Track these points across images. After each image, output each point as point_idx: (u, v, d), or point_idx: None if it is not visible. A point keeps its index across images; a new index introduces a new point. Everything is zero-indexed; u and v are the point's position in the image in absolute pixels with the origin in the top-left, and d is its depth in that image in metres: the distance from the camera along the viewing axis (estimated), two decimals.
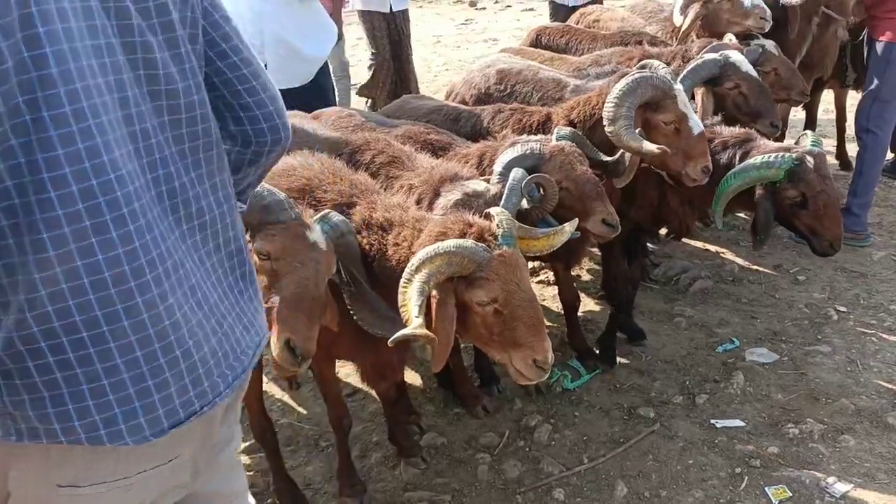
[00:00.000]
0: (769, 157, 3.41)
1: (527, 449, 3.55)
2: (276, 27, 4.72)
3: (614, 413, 3.75)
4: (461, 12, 16.27)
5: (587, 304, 4.70)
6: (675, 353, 4.17)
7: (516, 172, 2.95)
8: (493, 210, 2.52)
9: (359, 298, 2.61)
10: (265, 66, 4.85)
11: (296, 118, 3.78)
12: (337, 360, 3.22)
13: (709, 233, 5.38)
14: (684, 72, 3.93)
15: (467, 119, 3.97)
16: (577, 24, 5.73)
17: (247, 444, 3.70)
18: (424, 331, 2.19)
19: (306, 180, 2.87)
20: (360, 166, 3.23)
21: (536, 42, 5.31)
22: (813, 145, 3.48)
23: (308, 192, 2.82)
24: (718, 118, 3.85)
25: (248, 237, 2.45)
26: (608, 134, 3.36)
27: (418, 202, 2.91)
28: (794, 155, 3.39)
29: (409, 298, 2.27)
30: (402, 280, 2.32)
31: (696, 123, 3.42)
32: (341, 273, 2.58)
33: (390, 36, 7.08)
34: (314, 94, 4.98)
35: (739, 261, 5.10)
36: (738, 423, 3.59)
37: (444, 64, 12.36)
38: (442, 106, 4.13)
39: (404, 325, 2.36)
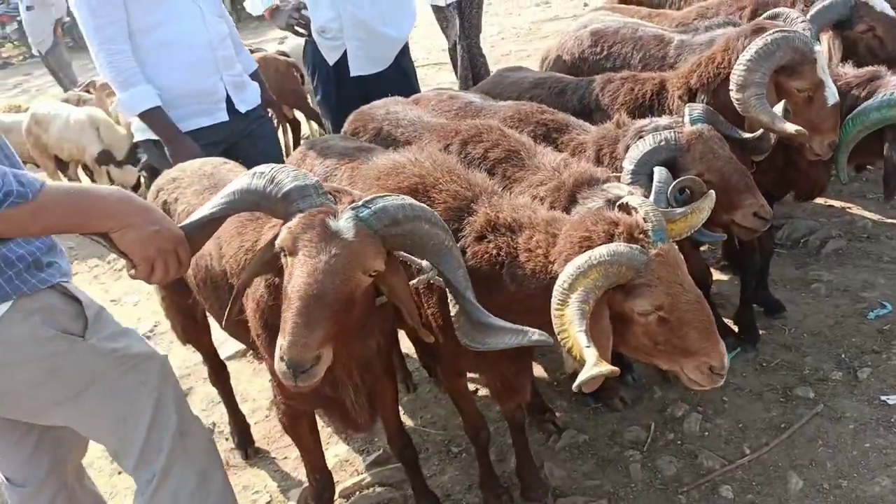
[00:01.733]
0: (892, 94, 3.02)
1: (679, 442, 3.27)
2: (355, 9, 4.46)
3: (767, 395, 3.43)
4: None
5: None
6: (822, 323, 3.82)
7: (661, 173, 2.64)
8: (632, 200, 2.20)
9: (456, 304, 2.24)
10: (342, 54, 4.63)
11: (397, 105, 3.53)
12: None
13: (830, 186, 4.96)
14: (809, 14, 3.54)
15: (574, 91, 3.66)
16: None
17: (375, 454, 3.51)
18: (609, 366, 1.86)
19: (418, 179, 2.57)
20: (472, 160, 2.92)
21: None
22: None
23: (421, 192, 2.53)
24: (849, 67, 3.45)
25: None
26: (734, 101, 3.02)
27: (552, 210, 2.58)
28: None
29: (570, 323, 1.96)
30: (555, 302, 2.02)
31: (832, 93, 3.07)
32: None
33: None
34: (396, 78, 4.72)
35: (870, 215, 4.68)
36: None
37: (498, 33, 12.01)
38: (545, 78, 3.81)
39: (511, 337, 2.07)
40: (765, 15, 3.29)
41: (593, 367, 1.86)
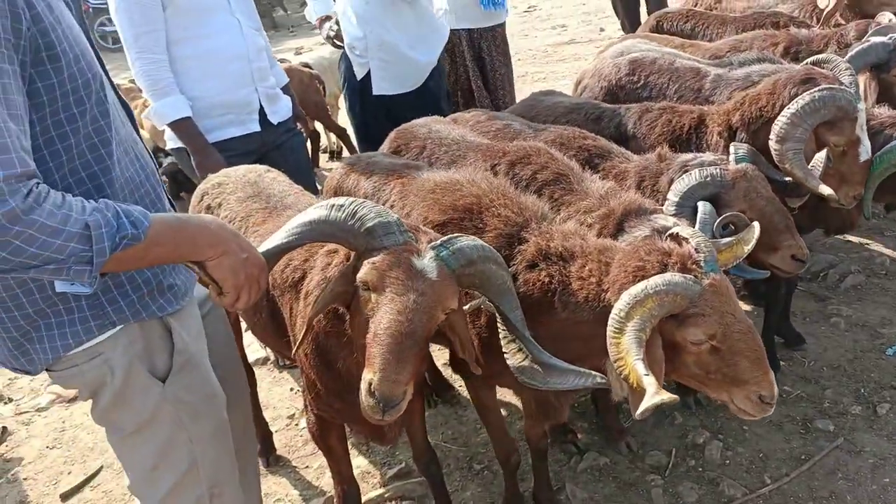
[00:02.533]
0: None
1: (700, 469, 3.31)
2: (381, 31, 4.54)
3: (788, 427, 3.47)
4: (523, 1, 15.91)
5: None
6: (841, 357, 3.87)
7: (705, 207, 2.69)
8: (681, 231, 2.23)
9: (511, 340, 2.26)
10: (368, 71, 4.70)
11: (439, 123, 3.58)
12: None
13: None
14: (848, 56, 3.61)
15: (610, 119, 3.71)
16: (696, 5, 5.41)
17: (398, 467, 3.55)
18: (669, 395, 1.89)
19: (475, 199, 2.61)
20: (519, 181, 2.95)
21: (657, 28, 5.02)
22: None
23: (476, 213, 2.57)
24: (884, 108, 3.51)
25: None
26: (772, 150, 3.08)
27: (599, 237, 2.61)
28: None
29: (627, 352, 1.99)
30: (611, 330, 2.04)
31: (866, 150, 3.15)
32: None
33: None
34: (420, 100, 4.76)
35: (889, 252, 4.74)
36: None
37: (515, 54, 12.05)
38: (581, 104, 3.87)
39: (576, 379, 2.11)
40: (811, 60, 3.32)
41: (654, 395, 1.88)
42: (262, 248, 2.00)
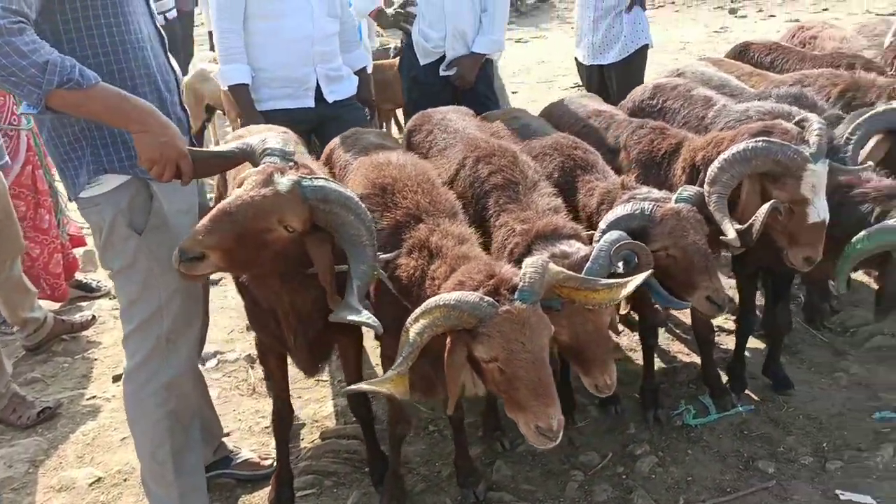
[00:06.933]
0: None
1: (623, 476, 3.42)
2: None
3: (730, 460, 3.48)
4: (718, 19, 15.48)
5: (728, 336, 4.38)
6: (824, 410, 3.76)
7: (609, 236, 2.76)
8: (529, 261, 2.33)
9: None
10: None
11: (455, 113, 3.93)
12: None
13: None
14: (866, 115, 3.45)
15: (615, 129, 3.90)
16: (794, 39, 5.29)
17: None
18: (382, 388, 2.19)
19: (391, 180, 2.93)
20: (476, 178, 3.25)
21: (741, 56, 5.00)
22: None
23: (389, 191, 2.88)
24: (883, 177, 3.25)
25: None
26: (704, 192, 3.05)
27: (511, 254, 2.82)
28: None
29: (402, 346, 2.25)
30: (405, 326, 2.27)
31: (817, 211, 3.00)
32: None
33: None
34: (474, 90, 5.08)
35: None
36: (867, 499, 3.17)
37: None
38: (601, 111, 4.09)
39: (348, 313, 2.33)
40: (796, 119, 3.25)
41: (379, 381, 2.22)
42: (193, 149, 2.51)
